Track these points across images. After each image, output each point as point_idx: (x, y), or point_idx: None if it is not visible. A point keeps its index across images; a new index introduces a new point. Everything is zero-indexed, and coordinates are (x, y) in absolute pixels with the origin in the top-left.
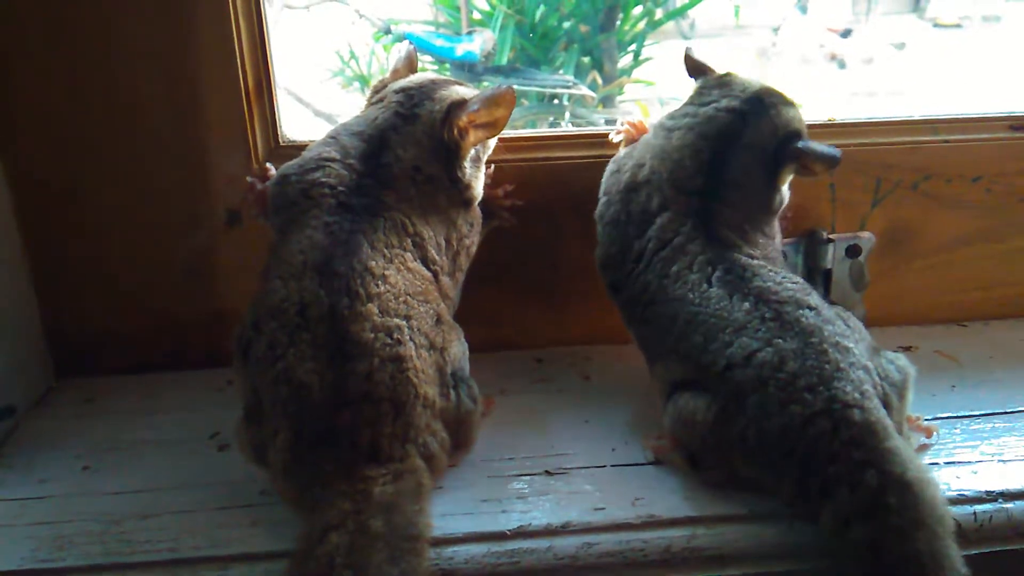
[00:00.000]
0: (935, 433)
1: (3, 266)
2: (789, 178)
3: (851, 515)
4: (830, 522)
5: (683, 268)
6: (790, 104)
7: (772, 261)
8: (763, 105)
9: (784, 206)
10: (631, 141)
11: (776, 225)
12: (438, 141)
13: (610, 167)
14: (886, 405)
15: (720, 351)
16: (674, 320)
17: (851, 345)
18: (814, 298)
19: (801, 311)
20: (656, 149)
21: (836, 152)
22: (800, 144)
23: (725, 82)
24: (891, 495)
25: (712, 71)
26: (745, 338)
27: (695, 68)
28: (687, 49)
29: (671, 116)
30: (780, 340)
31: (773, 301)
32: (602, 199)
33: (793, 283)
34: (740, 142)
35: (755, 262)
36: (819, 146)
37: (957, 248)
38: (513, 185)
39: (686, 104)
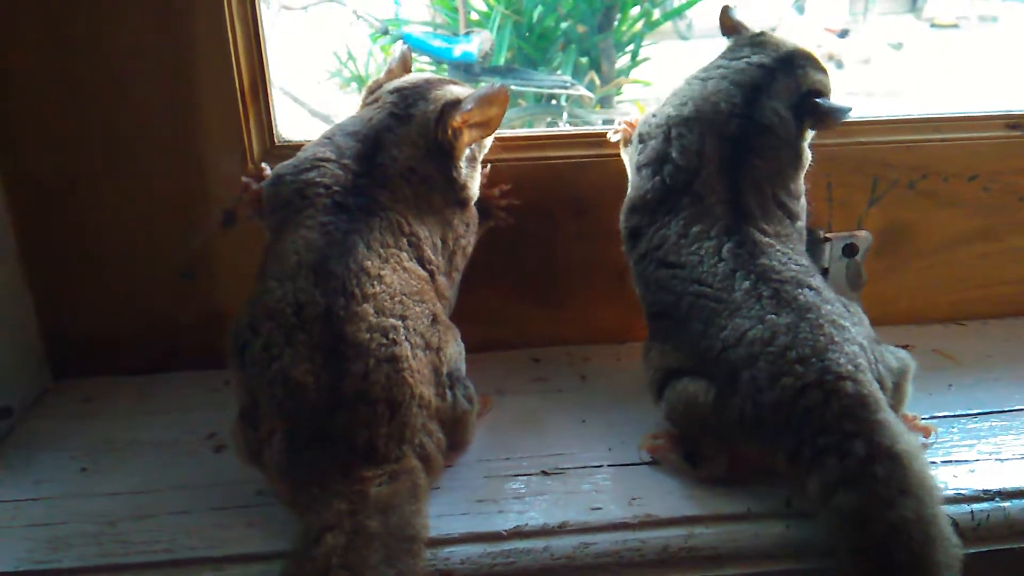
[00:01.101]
0: (933, 433)
1: None
2: (810, 134)
3: (838, 483)
4: (817, 490)
5: (704, 230)
6: (819, 68)
7: (784, 239)
8: (792, 65)
9: (809, 163)
10: (629, 140)
11: (801, 185)
12: (433, 141)
13: (643, 117)
14: (880, 385)
15: (716, 335)
16: (678, 301)
17: (847, 324)
18: (816, 279)
19: (800, 290)
20: (695, 92)
21: (846, 106)
22: (817, 99)
23: (759, 41)
24: (878, 466)
25: (747, 29)
26: (739, 319)
27: (730, 27)
28: (725, 7)
29: (704, 68)
30: (773, 316)
31: (774, 280)
32: (638, 147)
33: (797, 264)
34: (768, 92)
35: (766, 239)
36: (832, 102)
37: (955, 247)
38: (510, 185)
39: (718, 58)
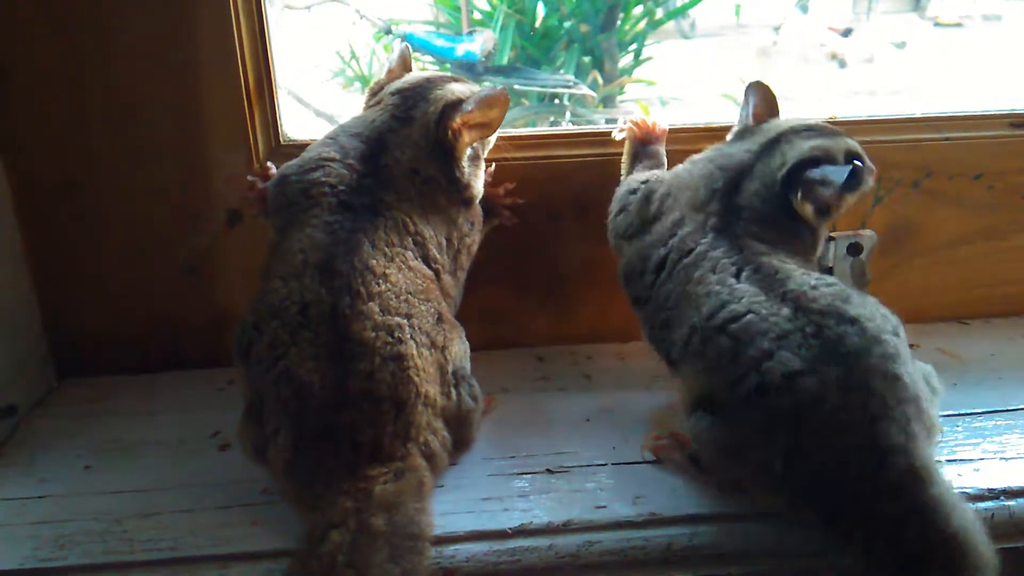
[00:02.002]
0: (938, 432)
1: (4, 266)
2: (810, 212)
3: (894, 570)
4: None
5: (706, 272)
6: (815, 135)
7: (805, 264)
8: (778, 141)
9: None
10: (633, 140)
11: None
12: (434, 142)
13: (626, 186)
14: (927, 429)
15: (756, 361)
16: (699, 327)
17: (900, 371)
18: (853, 304)
19: (843, 327)
20: (679, 176)
21: (840, 168)
22: (806, 171)
23: (758, 129)
24: (936, 554)
25: (765, 119)
26: (787, 352)
27: (760, 114)
28: (755, 83)
29: (703, 153)
30: (825, 366)
31: (814, 312)
32: (619, 216)
33: (827, 285)
34: (751, 173)
35: (787, 265)
36: (826, 169)
37: (959, 246)
38: (514, 183)
39: (720, 144)
